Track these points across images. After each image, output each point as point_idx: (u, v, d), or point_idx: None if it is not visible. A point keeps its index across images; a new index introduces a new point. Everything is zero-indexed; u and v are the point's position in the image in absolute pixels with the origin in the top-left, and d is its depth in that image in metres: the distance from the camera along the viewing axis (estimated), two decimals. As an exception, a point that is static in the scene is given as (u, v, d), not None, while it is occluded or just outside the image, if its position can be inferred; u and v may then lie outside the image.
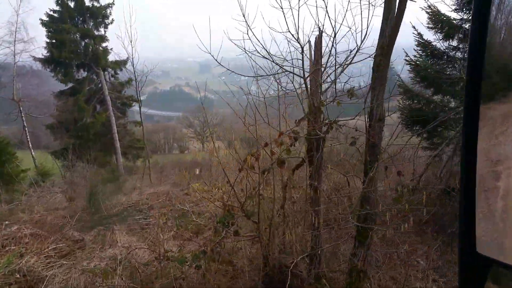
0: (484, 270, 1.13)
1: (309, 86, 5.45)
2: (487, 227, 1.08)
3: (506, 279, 1.14)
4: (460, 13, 9.69)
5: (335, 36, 5.22)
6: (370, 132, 5.22)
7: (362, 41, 5.10)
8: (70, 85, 25.79)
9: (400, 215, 5.51)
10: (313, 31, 5.54)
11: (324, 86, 5.67)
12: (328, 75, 5.48)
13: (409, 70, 10.00)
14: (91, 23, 25.87)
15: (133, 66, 20.46)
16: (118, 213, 9.74)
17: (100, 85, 26.00)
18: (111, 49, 26.42)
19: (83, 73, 26.55)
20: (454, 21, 9.73)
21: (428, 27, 9.79)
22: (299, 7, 4.96)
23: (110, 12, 25.86)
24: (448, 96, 9.54)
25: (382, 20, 5.33)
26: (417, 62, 9.83)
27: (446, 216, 8.13)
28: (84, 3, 25.38)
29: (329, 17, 5.11)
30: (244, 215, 5.56)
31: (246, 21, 4.96)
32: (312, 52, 5.46)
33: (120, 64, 26.23)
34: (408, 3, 5.05)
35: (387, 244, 7.53)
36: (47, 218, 10.95)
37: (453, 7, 9.70)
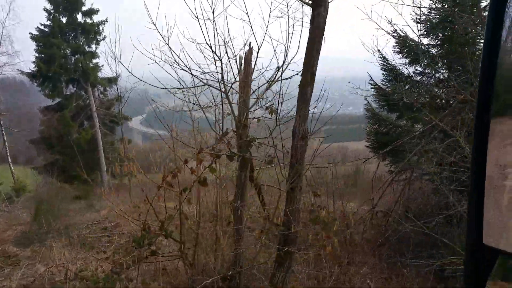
0: (490, 260, 1.20)
1: (233, 101, 5.22)
2: (494, 218, 1.18)
3: None
4: (427, 39, 9.57)
5: (258, 50, 5.03)
6: (292, 151, 4.96)
7: (284, 59, 4.91)
8: (57, 100, 25.73)
9: (326, 236, 5.22)
10: (243, 45, 5.36)
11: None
12: (253, 91, 5.26)
13: (374, 94, 9.81)
14: (83, 39, 25.97)
15: (116, 83, 20.43)
16: (62, 229, 9.41)
17: (88, 101, 25.95)
18: (102, 65, 26.44)
19: (71, 89, 26.48)
20: (422, 46, 9.59)
21: (394, 51, 9.66)
22: (214, 18, 4.77)
23: (102, 28, 25.94)
24: (411, 121, 9.30)
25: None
26: (381, 86, 9.65)
27: (394, 239, 7.85)
28: (77, 19, 25.52)
29: (253, 32, 4.93)
30: (163, 234, 5.25)
31: (157, 29, 4.77)
32: (239, 67, 5.26)
33: (110, 81, 26.22)
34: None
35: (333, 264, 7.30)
36: (5, 234, 10.65)
37: (421, 33, 9.56)
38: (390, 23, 9.44)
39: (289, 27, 4.94)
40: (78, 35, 25.60)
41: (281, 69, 5.10)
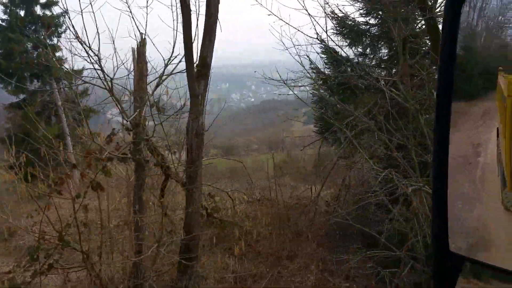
0: (457, 267, 1.20)
1: (119, 98, 4.86)
2: (469, 190, 1.21)
3: (486, 275, 1.23)
4: (367, 18, 9.19)
5: (143, 39, 4.63)
6: (187, 149, 4.64)
7: (172, 51, 4.53)
8: (22, 96, 25.07)
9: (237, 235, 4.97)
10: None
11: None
12: (147, 82, 4.88)
13: (315, 79, 9.45)
14: (43, 33, 25.17)
15: (78, 76, 19.82)
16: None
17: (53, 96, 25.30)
18: (66, 58, 25.66)
19: (36, 84, 25.81)
20: (362, 27, 9.24)
21: (334, 33, 9.26)
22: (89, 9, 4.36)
23: (63, 20, 25.13)
24: (351, 104, 8.97)
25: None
26: (321, 70, 9.29)
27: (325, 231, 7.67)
28: (35, 12, 24.69)
29: (134, 21, 4.53)
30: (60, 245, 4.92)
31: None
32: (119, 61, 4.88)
33: (75, 74, 25.45)
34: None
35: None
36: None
37: (360, 12, 9.18)
38: (327, 3, 9.06)
39: (177, 16, 4.56)
40: (38, 28, 24.80)
41: (171, 62, 4.73)
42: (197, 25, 4.89)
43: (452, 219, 1.21)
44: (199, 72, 4.67)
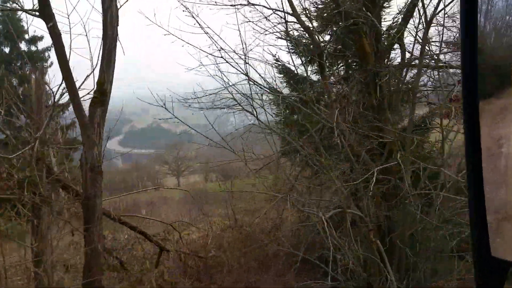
0: (501, 273, 1.19)
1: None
2: (494, 179, 1.22)
3: None
4: (323, 36, 8.87)
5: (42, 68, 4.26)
6: (82, 186, 4.21)
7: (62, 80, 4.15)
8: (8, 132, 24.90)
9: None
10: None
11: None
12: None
13: (271, 99, 9.08)
14: (29, 68, 25.36)
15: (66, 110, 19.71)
16: None
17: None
18: (53, 93, 25.68)
19: (24, 119, 25.69)
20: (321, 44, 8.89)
21: (290, 53, 8.92)
22: None
23: (48, 55, 25.36)
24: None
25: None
26: (278, 90, 8.91)
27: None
28: (20, 48, 24.88)
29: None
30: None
31: None
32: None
33: (61, 107, 25.40)
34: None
35: None
36: None
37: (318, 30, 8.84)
38: (287, 22, 8.73)
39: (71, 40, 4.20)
40: (23, 65, 24.93)
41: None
42: (100, 49, 4.53)
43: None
44: (95, 99, 4.29)
